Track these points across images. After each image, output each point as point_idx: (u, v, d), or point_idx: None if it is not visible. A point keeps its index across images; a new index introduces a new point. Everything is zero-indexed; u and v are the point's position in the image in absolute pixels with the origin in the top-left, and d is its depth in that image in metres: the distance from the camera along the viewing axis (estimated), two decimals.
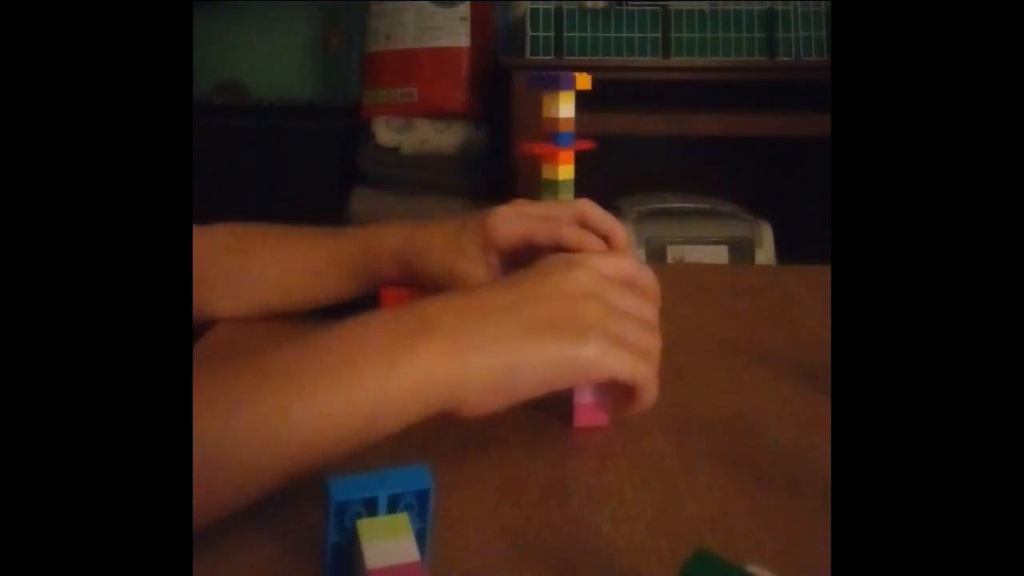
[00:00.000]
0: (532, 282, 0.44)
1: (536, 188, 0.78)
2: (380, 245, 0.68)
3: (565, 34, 1.99)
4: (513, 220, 0.62)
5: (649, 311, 0.46)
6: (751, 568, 0.30)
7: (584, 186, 0.77)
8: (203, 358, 0.38)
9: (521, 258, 0.64)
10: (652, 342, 0.45)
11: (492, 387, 0.41)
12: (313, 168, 2.17)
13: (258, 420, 0.38)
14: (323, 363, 0.40)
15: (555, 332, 0.42)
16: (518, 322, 0.41)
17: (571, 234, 0.61)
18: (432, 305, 0.43)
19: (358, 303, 0.67)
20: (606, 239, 0.62)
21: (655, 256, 1.87)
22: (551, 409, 0.50)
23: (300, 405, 0.38)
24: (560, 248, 0.59)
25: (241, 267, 0.69)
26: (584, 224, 0.64)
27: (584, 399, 0.49)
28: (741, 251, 1.92)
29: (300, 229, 0.70)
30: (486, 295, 0.43)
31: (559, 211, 0.62)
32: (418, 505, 0.35)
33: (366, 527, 0.34)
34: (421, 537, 0.35)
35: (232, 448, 0.37)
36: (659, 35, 1.99)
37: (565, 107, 0.76)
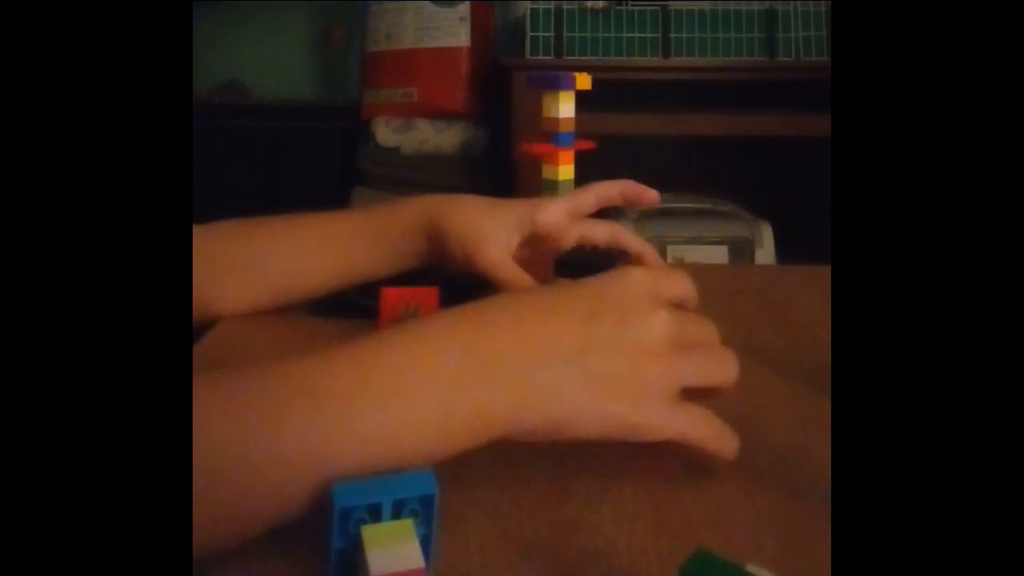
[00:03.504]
0: (608, 323, 0.41)
1: (536, 188, 0.78)
2: (403, 212, 0.66)
3: (565, 34, 1.99)
4: (557, 203, 0.66)
5: (712, 333, 0.45)
6: (751, 568, 0.30)
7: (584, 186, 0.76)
8: (208, 358, 0.37)
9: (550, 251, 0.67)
10: (730, 365, 0.44)
11: (542, 432, 0.40)
12: (313, 168, 2.17)
13: (301, 446, 0.36)
14: (373, 396, 0.37)
15: (616, 391, 0.40)
16: (582, 375, 0.40)
17: (612, 188, 0.68)
18: (496, 340, 0.40)
19: (357, 303, 0.67)
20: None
21: None
22: None
23: (347, 439, 0.36)
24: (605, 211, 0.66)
25: (248, 251, 0.66)
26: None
27: None
28: (741, 251, 1.92)
29: (313, 213, 0.69)
30: (557, 331, 0.41)
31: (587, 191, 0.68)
32: (423, 510, 0.35)
33: (370, 533, 0.33)
34: (426, 543, 0.35)
35: (268, 466, 0.35)
36: (659, 35, 1.99)
37: (565, 107, 0.76)
